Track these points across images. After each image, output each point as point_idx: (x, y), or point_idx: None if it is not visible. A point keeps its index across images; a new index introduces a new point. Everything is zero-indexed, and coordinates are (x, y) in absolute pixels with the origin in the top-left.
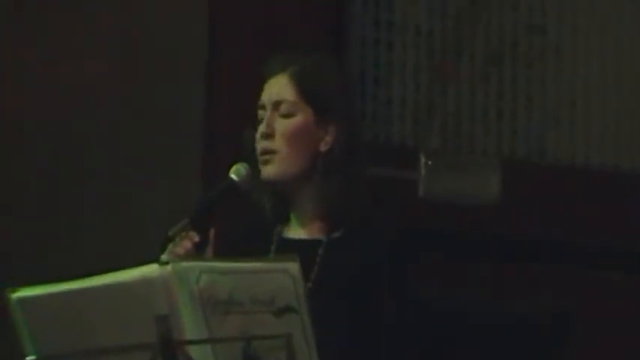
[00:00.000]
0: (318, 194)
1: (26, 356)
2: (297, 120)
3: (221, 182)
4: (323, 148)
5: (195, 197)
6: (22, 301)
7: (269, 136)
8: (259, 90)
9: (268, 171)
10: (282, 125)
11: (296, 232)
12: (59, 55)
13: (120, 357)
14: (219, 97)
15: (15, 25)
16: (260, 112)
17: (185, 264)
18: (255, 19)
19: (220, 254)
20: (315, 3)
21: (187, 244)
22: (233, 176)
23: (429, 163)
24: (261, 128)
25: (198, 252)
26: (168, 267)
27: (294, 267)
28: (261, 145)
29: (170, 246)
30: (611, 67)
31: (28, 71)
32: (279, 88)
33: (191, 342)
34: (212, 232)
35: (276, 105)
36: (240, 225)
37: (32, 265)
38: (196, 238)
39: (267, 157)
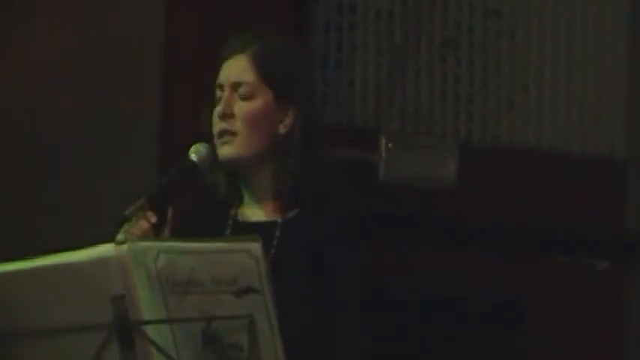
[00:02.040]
0: (275, 175)
1: None
2: (257, 103)
3: (180, 162)
4: (282, 130)
5: (152, 180)
6: None
7: (227, 116)
8: (217, 75)
9: (226, 151)
10: (241, 108)
11: (251, 213)
12: (11, 42)
13: (75, 337)
14: (175, 81)
15: None
16: (218, 93)
17: (142, 244)
18: (214, 4)
19: (173, 236)
20: None
21: (144, 224)
22: (193, 156)
23: (390, 145)
24: (220, 108)
25: (155, 232)
26: (124, 247)
27: (256, 247)
28: (219, 126)
29: (126, 226)
30: (562, 53)
31: None
32: (238, 69)
33: (147, 322)
34: (170, 212)
35: (235, 86)
36: (192, 207)
37: None
38: (153, 219)
39: (225, 138)
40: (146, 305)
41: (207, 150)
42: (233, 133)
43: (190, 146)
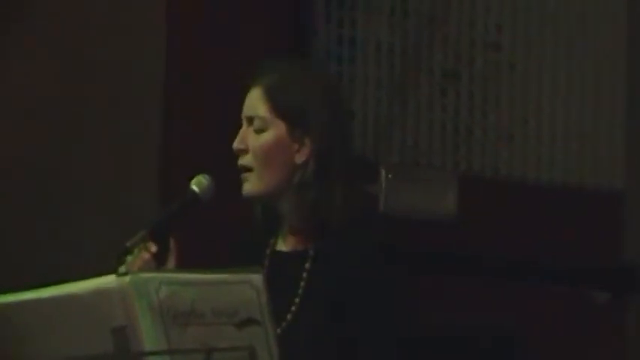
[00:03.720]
0: (298, 206)
1: None
2: (269, 135)
3: (183, 194)
4: (299, 160)
5: (152, 211)
6: None
7: (241, 151)
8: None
9: (245, 189)
10: (254, 141)
11: (285, 242)
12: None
13: None
14: (174, 110)
15: None
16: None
17: (144, 275)
18: (215, 37)
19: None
20: (277, 18)
21: (145, 256)
22: (194, 188)
23: (390, 177)
24: (234, 144)
25: (158, 263)
26: (126, 278)
27: (257, 279)
28: (239, 161)
29: (128, 258)
30: (561, 85)
31: None
32: (252, 102)
33: (148, 353)
34: (173, 242)
35: (250, 120)
36: (236, 238)
37: None
38: (153, 248)
39: (244, 175)
40: (147, 336)
41: (209, 181)
42: (249, 169)
43: (192, 178)
